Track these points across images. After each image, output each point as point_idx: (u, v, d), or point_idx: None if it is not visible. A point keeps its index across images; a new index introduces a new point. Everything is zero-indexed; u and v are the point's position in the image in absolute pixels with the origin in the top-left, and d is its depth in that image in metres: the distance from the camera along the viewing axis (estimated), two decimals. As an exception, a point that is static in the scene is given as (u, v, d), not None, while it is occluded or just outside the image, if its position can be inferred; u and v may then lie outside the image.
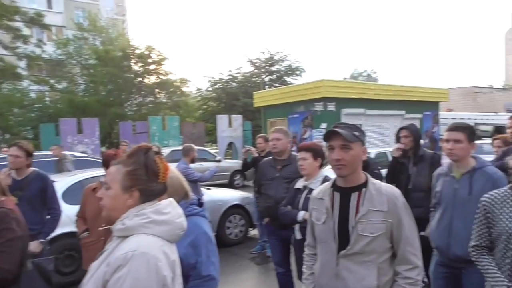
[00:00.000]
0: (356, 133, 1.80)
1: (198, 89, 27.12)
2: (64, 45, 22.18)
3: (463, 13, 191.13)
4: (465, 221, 2.41)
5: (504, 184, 2.35)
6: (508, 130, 3.32)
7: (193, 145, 5.73)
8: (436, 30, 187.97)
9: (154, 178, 1.37)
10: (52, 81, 21.93)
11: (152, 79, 24.02)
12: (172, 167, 2.15)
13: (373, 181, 1.84)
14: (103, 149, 17.85)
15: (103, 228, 2.96)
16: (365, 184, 1.82)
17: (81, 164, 7.75)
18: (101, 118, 16.80)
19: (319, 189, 1.99)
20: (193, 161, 5.63)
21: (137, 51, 23.02)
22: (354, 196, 1.81)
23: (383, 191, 1.79)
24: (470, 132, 2.53)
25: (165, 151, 11.95)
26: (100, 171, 4.68)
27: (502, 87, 53.41)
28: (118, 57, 21.86)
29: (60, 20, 30.40)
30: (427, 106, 15.38)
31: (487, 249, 2.08)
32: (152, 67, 23.51)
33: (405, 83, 16.88)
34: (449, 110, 20.32)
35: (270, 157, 3.88)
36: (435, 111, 15.99)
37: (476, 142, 2.64)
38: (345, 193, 1.84)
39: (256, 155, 5.68)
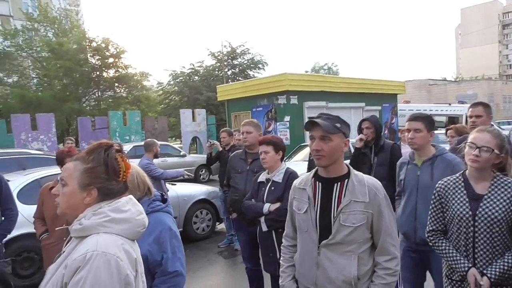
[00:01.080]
0: (338, 125, 1.81)
1: (159, 83, 26.52)
2: (12, 36, 20.85)
3: (417, 8, 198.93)
4: (428, 205, 2.54)
5: (462, 169, 2.51)
6: (469, 120, 3.30)
7: (155, 140, 5.61)
8: (392, 25, 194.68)
9: (114, 177, 1.32)
10: (0, 74, 20.64)
11: (111, 73, 23.16)
12: (133, 163, 2.11)
13: (355, 172, 1.87)
14: (61, 146, 17.11)
15: (63, 228, 2.85)
16: (347, 175, 1.85)
17: (37, 162, 7.37)
18: (57, 114, 16.05)
19: (301, 179, 2.00)
20: (156, 156, 5.52)
21: (94, 44, 22.07)
22: (336, 187, 1.83)
23: (365, 182, 1.82)
24: (428, 122, 2.68)
25: (127, 147, 11.64)
26: (58, 169, 4.49)
27: (454, 80, 56.37)
28: (73, 50, 20.86)
29: (6, 9, 28.61)
30: (386, 98, 15.90)
31: (443, 233, 2.19)
32: (110, 60, 22.64)
33: (365, 76, 17.36)
34: (406, 102, 21.12)
35: (241, 150, 3.85)
36: (393, 103, 16.56)
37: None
38: (327, 183, 1.86)
39: (221, 149, 5.66)
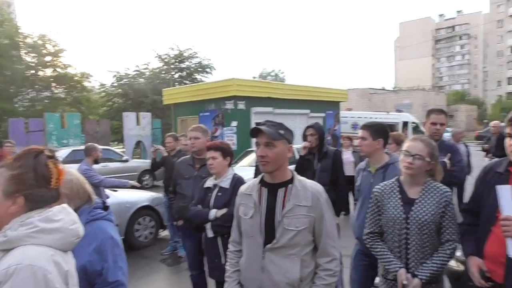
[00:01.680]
0: (281, 132, 1.87)
1: (102, 85, 25.35)
2: None
3: (362, 21, 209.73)
4: None
5: None
6: (432, 126, 3.31)
7: (96, 145, 5.35)
8: (337, 36, 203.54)
9: (44, 183, 1.25)
10: None
11: (48, 72, 21.77)
12: (73, 169, 2.00)
13: (298, 177, 1.94)
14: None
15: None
16: (291, 181, 1.91)
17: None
18: (-16, 115, 14.78)
19: (247, 185, 2.04)
20: (96, 162, 5.27)
21: (29, 40, 20.65)
22: (281, 192, 1.88)
23: (308, 187, 1.89)
24: (373, 130, 2.80)
25: (65, 151, 10.98)
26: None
27: (392, 89, 60.08)
28: (4, 46, 19.32)
29: None
30: (329, 106, 16.53)
31: (379, 235, 2.32)
32: (48, 59, 21.30)
33: (310, 83, 17.91)
34: (348, 109, 22.04)
35: (189, 156, 3.80)
36: (337, 110, 17.26)
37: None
38: (272, 189, 1.91)
39: (166, 154, 5.54)
